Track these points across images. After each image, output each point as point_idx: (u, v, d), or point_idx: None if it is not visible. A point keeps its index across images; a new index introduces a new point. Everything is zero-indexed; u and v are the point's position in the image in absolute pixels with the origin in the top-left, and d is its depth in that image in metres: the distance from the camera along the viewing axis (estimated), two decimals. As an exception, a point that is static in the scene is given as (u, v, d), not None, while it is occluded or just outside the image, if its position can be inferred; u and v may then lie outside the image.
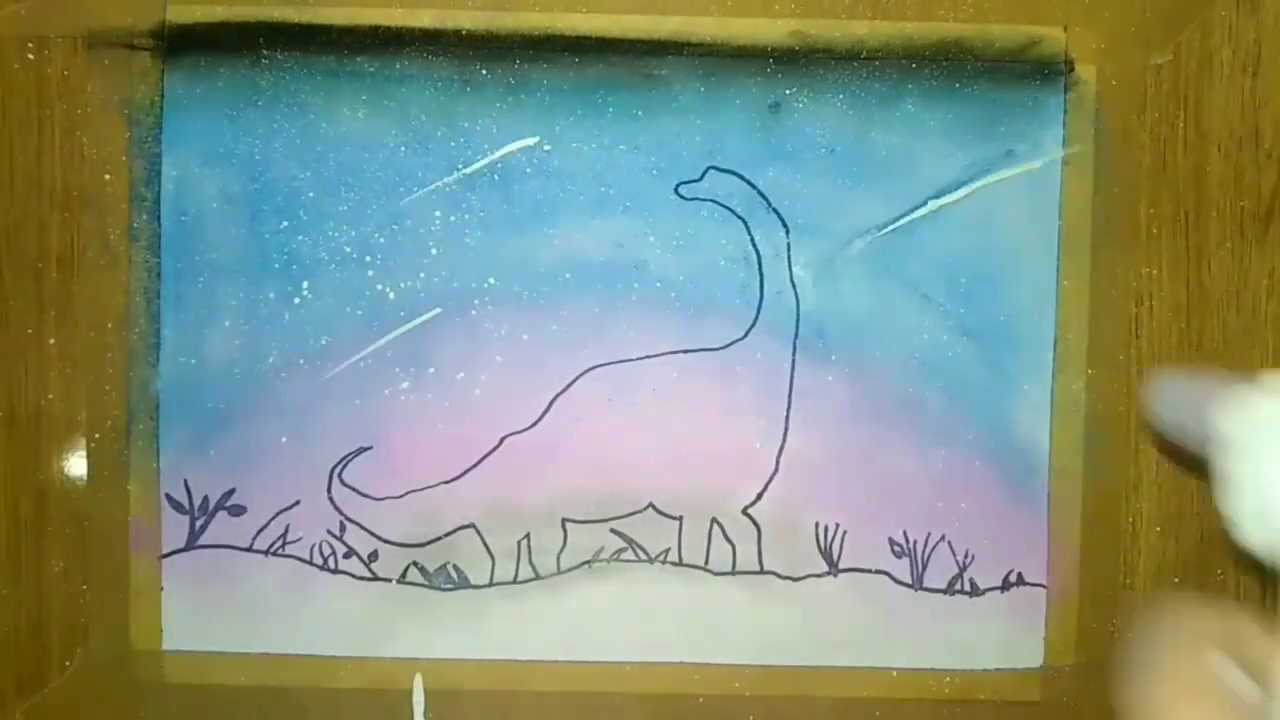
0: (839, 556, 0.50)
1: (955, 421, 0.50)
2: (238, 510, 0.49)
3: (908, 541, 0.50)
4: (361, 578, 0.50)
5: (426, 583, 0.50)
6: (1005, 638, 0.50)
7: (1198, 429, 0.35)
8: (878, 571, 0.50)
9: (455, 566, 0.50)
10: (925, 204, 0.49)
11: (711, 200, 0.49)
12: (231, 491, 0.49)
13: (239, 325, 0.49)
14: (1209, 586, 0.50)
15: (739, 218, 0.49)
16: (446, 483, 0.49)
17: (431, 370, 0.49)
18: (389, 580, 0.50)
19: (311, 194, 0.49)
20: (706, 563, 0.50)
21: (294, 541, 0.49)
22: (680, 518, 0.50)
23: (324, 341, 0.49)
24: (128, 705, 0.49)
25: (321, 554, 0.50)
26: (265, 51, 0.49)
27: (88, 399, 0.49)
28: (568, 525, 0.50)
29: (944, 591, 0.50)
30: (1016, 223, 0.50)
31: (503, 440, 0.49)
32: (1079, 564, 0.50)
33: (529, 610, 0.50)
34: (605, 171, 0.49)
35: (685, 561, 0.50)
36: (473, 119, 0.49)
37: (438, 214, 0.49)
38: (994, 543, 0.50)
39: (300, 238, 0.49)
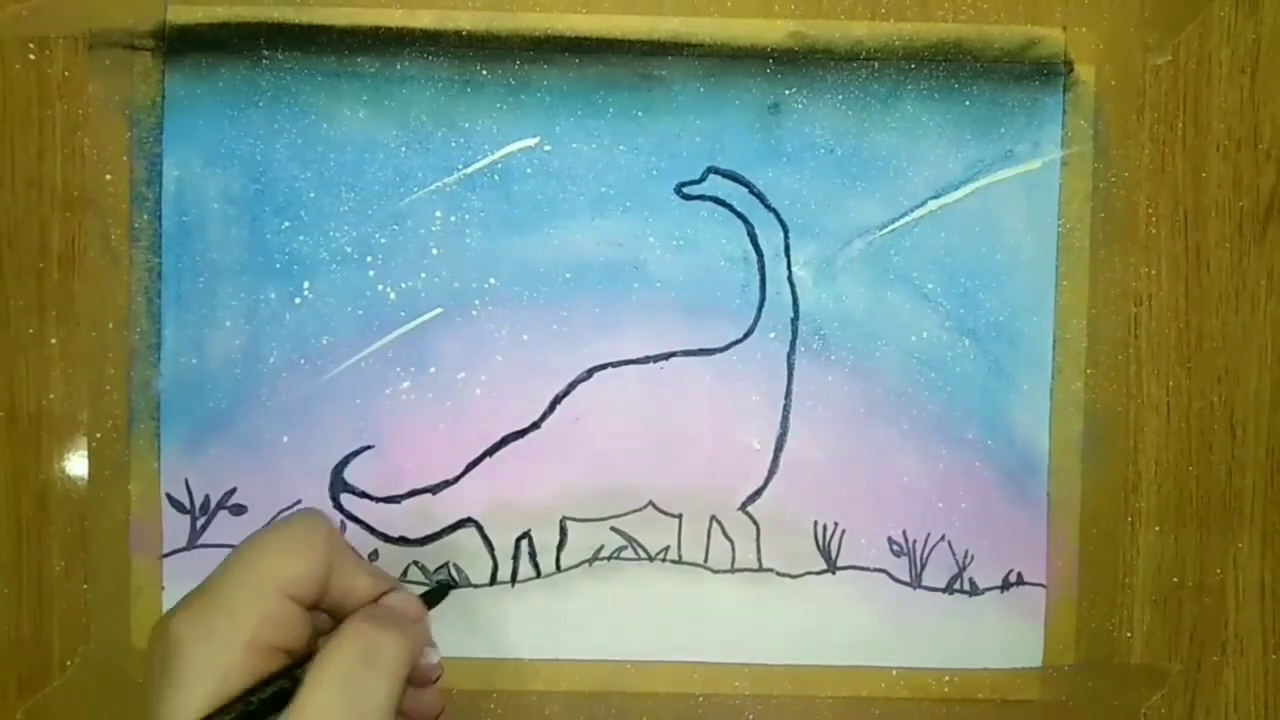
0: (837, 555, 0.50)
1: (954, 421, 0.50)
2: (239, 510, 0.49)
3: (907, 540, 0.50)
4: (362, 577, 0.50)
5: (427, 582, 0.50)
6: (1004, 637, 0.50)
7: None
8: (876, 570, 0.50)
9: (455, 565, 0.50)
10: (925, 204, 0.50)
11: (712, 199, 0.49)
12: (233, 491, 0.49)
13: (240, 325, 0.49)
14: (1208, 586, 0.50)
15: (739, 217, 0.49)
16: (447, 482, 0.49)
17: (432, 370, 0.49)
18: (389, 579, 0.50)
19: (312, 194, 0.49)
20: (706, 561, 0.50)
21: (295, 541, 0.49)
22: (680, 516, 0.50)
23: (325, 341, 0.49)
24: (129, 705, 0.49)
25: (322, 553, 0.50)
26: (266, 52, 0.49)
27: (89, 399, 0.49)
28: (568, 524, 0.50)
29: (943, 591, 0.50)
30: (1016, 223, 0.50)
31: (503, 440, 0.49)
32: (1078, 564, 0.50)
33: (529, 609, 0.50)
34: (605, 172, 0.49)
35: (685, 559, 0.50)
36: (473, 119, 0.49)
37: (438, 214, 0.49)
38: (993, 542, 0.50)
39: (301, 238, 0.49)
